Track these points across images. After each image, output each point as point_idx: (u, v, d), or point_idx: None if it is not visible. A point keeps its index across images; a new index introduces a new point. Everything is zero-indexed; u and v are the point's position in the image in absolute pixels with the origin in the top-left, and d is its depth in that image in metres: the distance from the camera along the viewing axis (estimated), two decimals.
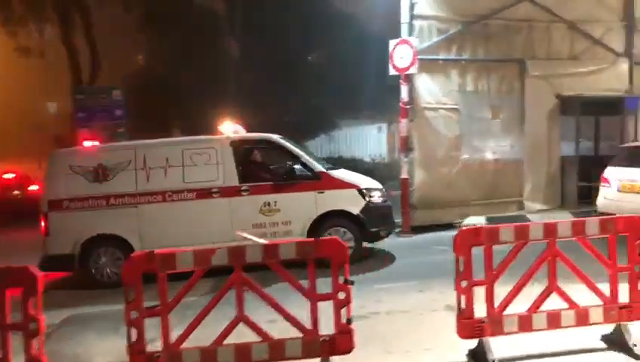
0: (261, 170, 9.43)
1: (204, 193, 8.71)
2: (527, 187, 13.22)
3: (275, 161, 9.81)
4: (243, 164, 9.07)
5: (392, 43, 12.09)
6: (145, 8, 24.22)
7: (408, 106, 12.25)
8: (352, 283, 4.63)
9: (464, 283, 4.77)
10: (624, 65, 14.06)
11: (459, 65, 12.85)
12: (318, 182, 8.92)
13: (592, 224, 4.88)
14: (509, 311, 4.91)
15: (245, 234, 7.20)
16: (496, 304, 4.86)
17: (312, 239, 5.00)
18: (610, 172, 10.43)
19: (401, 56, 11.99)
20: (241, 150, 9.15)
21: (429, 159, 12.56)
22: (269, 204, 8.76)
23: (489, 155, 13.12)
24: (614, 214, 5.44)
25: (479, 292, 4.84)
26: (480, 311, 4.86)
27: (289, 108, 25.16)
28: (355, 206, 8.95)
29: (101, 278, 8.77)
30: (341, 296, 4.56)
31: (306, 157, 9.16)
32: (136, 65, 28.69)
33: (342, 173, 9.40)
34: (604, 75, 13.86)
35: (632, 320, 5.05)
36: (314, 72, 25.67)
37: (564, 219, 12.52)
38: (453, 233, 5.08)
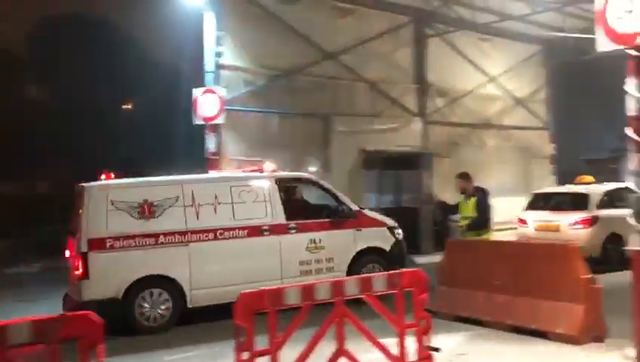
0: (304, 207, 9.33)
1: (255, 230, 8.42)
2: None
3: (312, 199, 9.76)
4: (287, 201, 8.97)
5: (196, 91, 11.62)
6: None
7: (216, 158, 11.75)
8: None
9: (245, 355, 4.24)
10: (419, 124, 15.17)
11: (266, 118, 12.75)
12: (355, 220, 9.09)
13: (379, 280, 4.69)
14: None
15: None
16: None
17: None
18: (527, 214, 12.19)
19: (207, 105, 11.54)
20: (285, 187, 9.12)
21: None
22: (314, 241, 8.76)
23: None
24: None
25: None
26: None
27: (96, 159, 23.32)
28: (386, 243, 9.29)
29: (147, 323, 7.79)
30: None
31: (343, 196, 9.25)
32: None
33: (372, 212, 9.69)
34: (402, 133, 14.80)
35: None
36: (124, 121, 24.34)
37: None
38: None
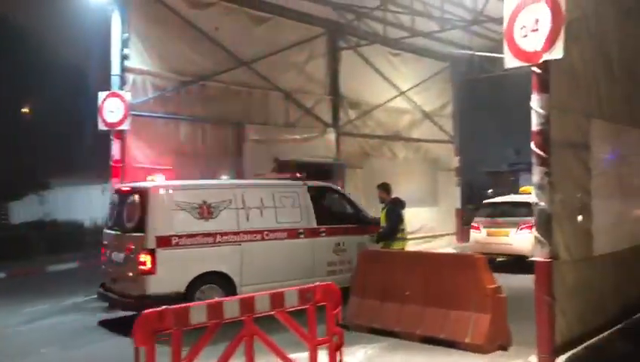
0: (330, 213, 10.21)
1: (293, 233, 9.39)
2: None
3: (334, 206, 10.67)
4: (316, 207, 9.82)
5: (101, 95, 10.99)
6: None
7: (120, 165, 11.14)
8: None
9: None
10: (332, 135, 15.24)
11: (176, 125, 12.27)
12: (371, 226, 10.05)
13: (291, 295, 4.52)
14: None
15: None
16: None
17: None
18: (479, 220, 13.92)
19: (111, 110, 10.95)
20: (315, 194, 9.98)
21: None
22: (339, 244, 9.84)
23: None
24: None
25: None
26: None
27: None
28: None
29: None
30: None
31: (361, 206, 10.59)
32: None
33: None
34: (316, 143, 14.79)
35: None
36: (24, 126, 22.76)
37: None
38: None
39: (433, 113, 18.84)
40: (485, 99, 23.41)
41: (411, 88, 17.74)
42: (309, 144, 14.61)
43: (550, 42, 5.48)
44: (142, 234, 8.05)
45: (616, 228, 7.39)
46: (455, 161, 19.62)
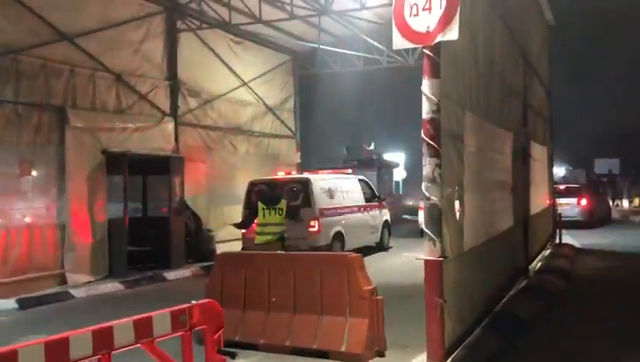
0: (364, 195, 15.09)
1: (359, 208, 14.56)
2: (69, 256, 11.07)
3: (366, 191, 15.45)
4: (362, 192, 15.15)
5: None
6: None
7: None
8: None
9: None
10: (170, 125, 13.85)
11: None
12: (380, 203, 15.83)
13: (161, 319, 3.42)
14: None
15: None
16: None
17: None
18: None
19: None
20: (360, 183, 15.36)
21: None
22: (373, 217, 15.13)
23: (18, 221, 10.40)
24: None
25: None
26: None
27: None
28: (388, 216, 16.32)
29: None
30: None
31: (376, 189, 16.68)
32: None
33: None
34: (151, 133, 13.30)
35: None
36: None
37: (113, 289, 11.24)
38: None
39: (276, 107, 18.29)
40: (323, 96, 23.48)
41: (254, 79, 16.97)
42: (144, 134, 13.07)
43: (444, 23, 5.03)
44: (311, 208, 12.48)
45: (477, 222, 7.34)
46: (297, 157, 19.29)
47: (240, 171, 16.32)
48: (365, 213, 14.68)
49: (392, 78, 21.29)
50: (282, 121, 18.62)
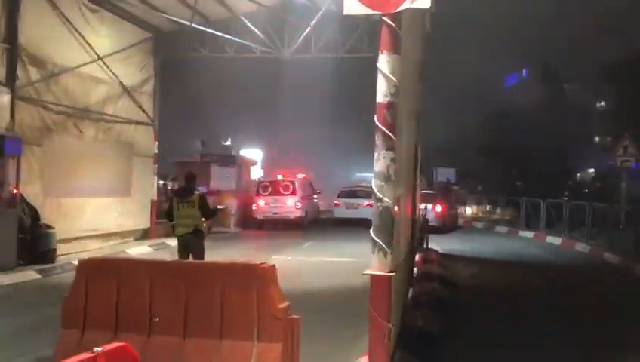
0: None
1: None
2: None
3: None
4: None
5: None
6: None
7: None
8: None
9: None
10: (6, 97, 11.39)
11: None
12: None
13: None
14: None
15: None
16: None
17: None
18: (340, 200, 23.33)
19: None
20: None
21: None
22: None
23: None
24: None
25: None
26: None
27: None
28: None
29: None
30: None
31: None
32: None
33: None
34: None
35: None
36: None
37: None
38: None
39: (133, 89, 16.23)
40: (184, 83, 21.66)
41: (110, 55, 14.82)
42: None
43: None
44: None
45: None
46: (154, 147, 17.38)
47: (86, 159, 14.14)
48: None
49: (263, 70, 20.24)
50: (140, 106, 16.59)
